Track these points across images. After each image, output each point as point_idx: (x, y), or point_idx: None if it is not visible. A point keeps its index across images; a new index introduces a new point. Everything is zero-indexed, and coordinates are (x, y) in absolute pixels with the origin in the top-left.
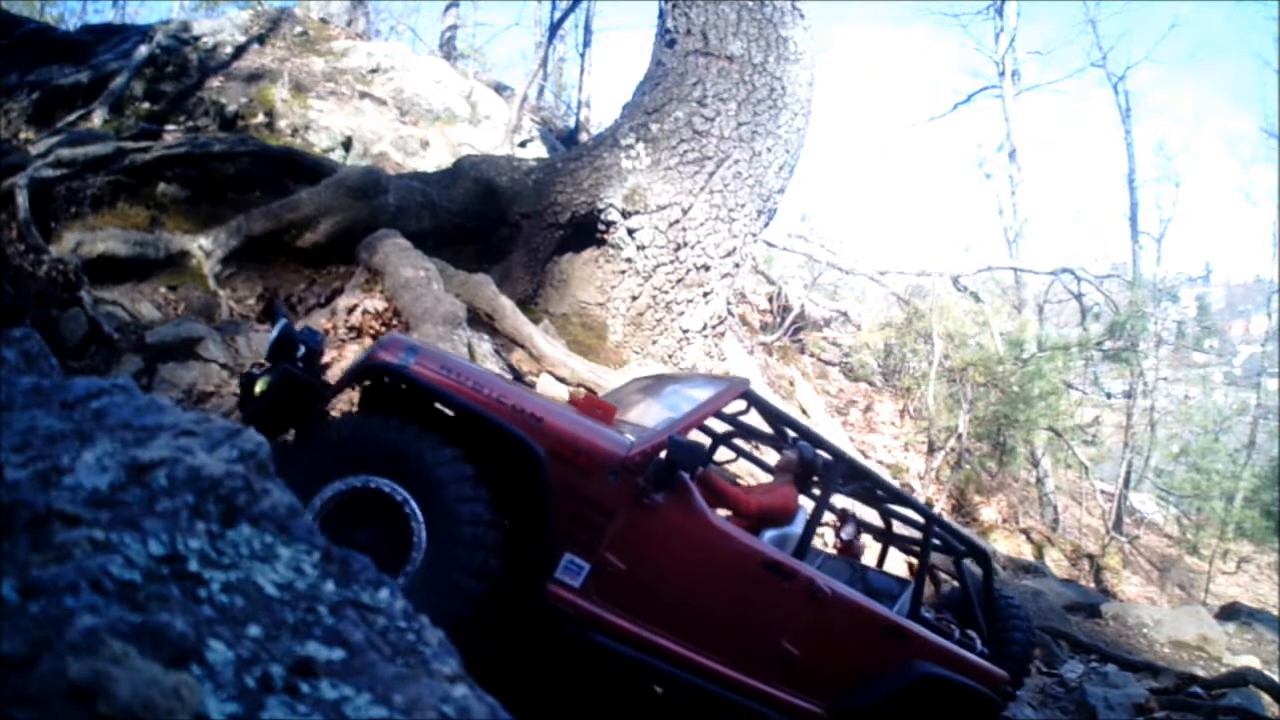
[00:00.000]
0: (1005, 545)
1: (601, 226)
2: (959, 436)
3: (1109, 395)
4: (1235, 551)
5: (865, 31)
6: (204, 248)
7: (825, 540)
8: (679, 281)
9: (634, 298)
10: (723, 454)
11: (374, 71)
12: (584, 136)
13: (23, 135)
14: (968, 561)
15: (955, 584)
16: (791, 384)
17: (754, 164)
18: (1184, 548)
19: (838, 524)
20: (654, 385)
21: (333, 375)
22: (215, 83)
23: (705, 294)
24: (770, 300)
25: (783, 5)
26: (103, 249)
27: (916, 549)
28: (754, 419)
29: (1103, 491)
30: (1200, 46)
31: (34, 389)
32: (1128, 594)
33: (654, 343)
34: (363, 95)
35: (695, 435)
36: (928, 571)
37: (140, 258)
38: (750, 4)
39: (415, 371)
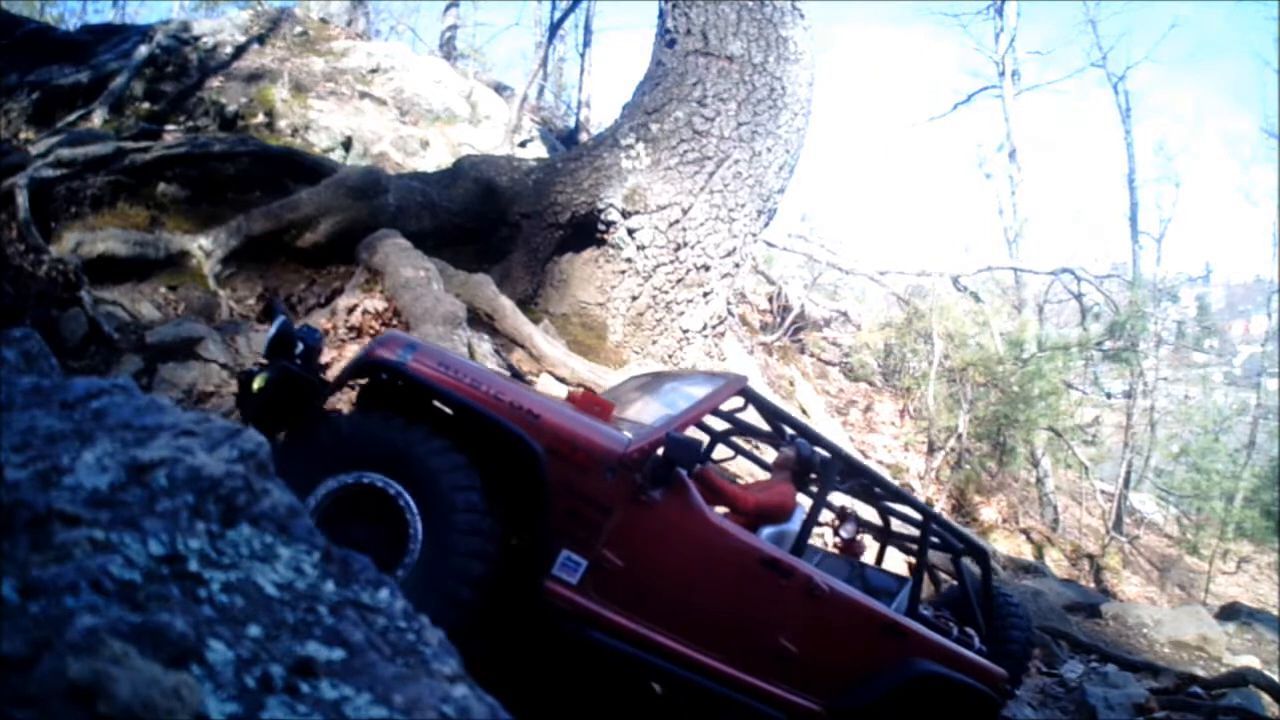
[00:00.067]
0: (1005, 545)
1: (601, 226)
2: (959, 436)
3: (1109, 395)
4: (1235, 551)
5: (865, 31)
6: (204, 248)
7: (825, 540)
8: (679, 281)
9: (634, 298)
10: (721, 451)
11: (374, 71)
12: (584, 136)
13: (23, 135)
14: (966, 560)
15: (954, 582)
16: (791, 384)
17: (754, 164)
18: (1184, 548)
19: (837, 522)
20: (652, 382)
21: (332, 375)
22: (215, 83)
23: (705, 294)
24: (770, 300)
25: (783, 5)
26: (103, 249)
27: (914, 547)
28: (752, 416)
29: (1103, 491)
30: (1200, 46)
31: (34, 389)
32: (1128, 594)
33: (654, 343)
34: (363, 95)
35: (693, 432)
36: (926, 569)
37: (140, 258)
38: (750, 4)
39: (413, 368)
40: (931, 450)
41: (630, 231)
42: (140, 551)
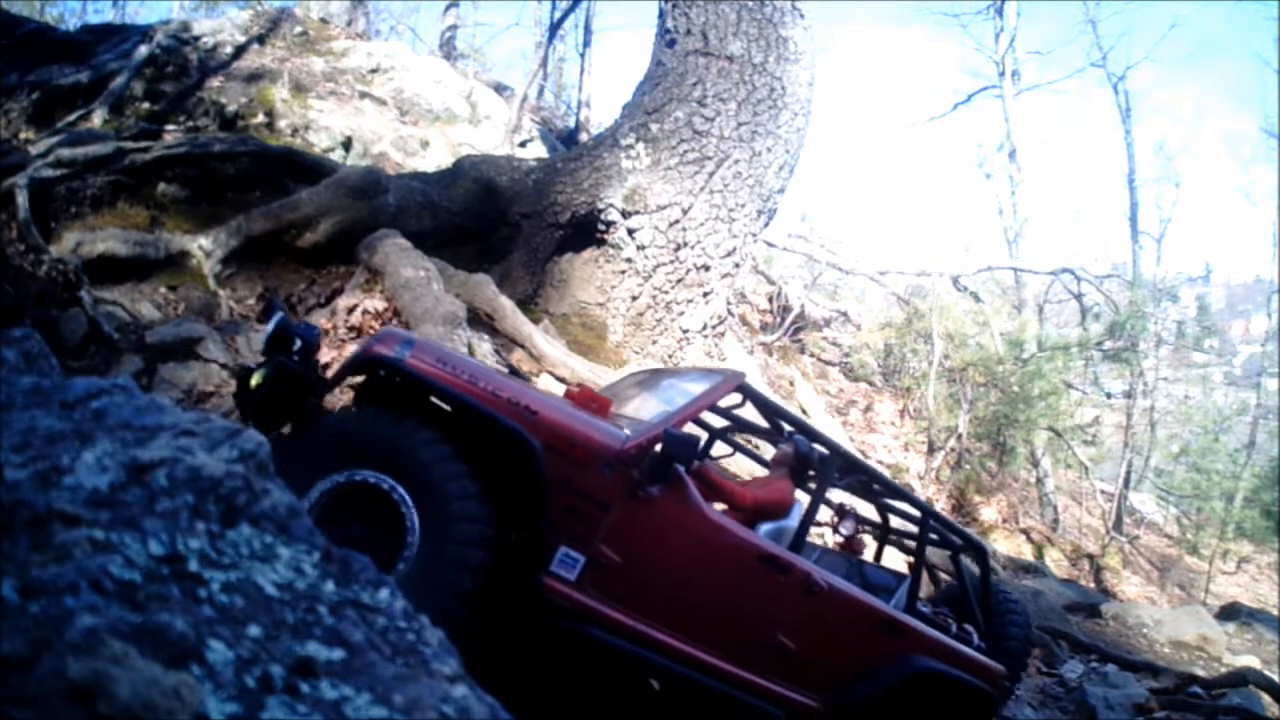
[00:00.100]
0: (1005, 545)
1: (601, 226)
2: (959, 436)
3: (1109, 395)
4: (1235, 551)
5: (865, 31)
6: (204, 248)
7: (825, 539)
8: (679, 281)
9: (634, 298)
10: (720, 448)
11: (374, 71)
12: (584, 136)
13: (23, 135)
14: (965, 557)
15: (953, 580)
16: (791, 384)
17: (754, 164)
18: (1184, 548)
19: (836, 519)
20: (650, 379)
21: (331, 374)
22: (215, 83)
23: (705, 294)
24: (770, 300)
25: (783, 5)
26: (103, 249)
27: (913, 544)
28: (750, 413)
29: (1103, 491)
30: (1200, 46)
31: (34, 389)
32: (1128, 594)
33: (654, 343)
34: (363, 95)
35: (691, 429)
36: (925, 566)
37: (140, 258)
38: (750, 4)
39: (410, 364)
40: (931, 450)
41: (630, 231)
42: (140, 551)
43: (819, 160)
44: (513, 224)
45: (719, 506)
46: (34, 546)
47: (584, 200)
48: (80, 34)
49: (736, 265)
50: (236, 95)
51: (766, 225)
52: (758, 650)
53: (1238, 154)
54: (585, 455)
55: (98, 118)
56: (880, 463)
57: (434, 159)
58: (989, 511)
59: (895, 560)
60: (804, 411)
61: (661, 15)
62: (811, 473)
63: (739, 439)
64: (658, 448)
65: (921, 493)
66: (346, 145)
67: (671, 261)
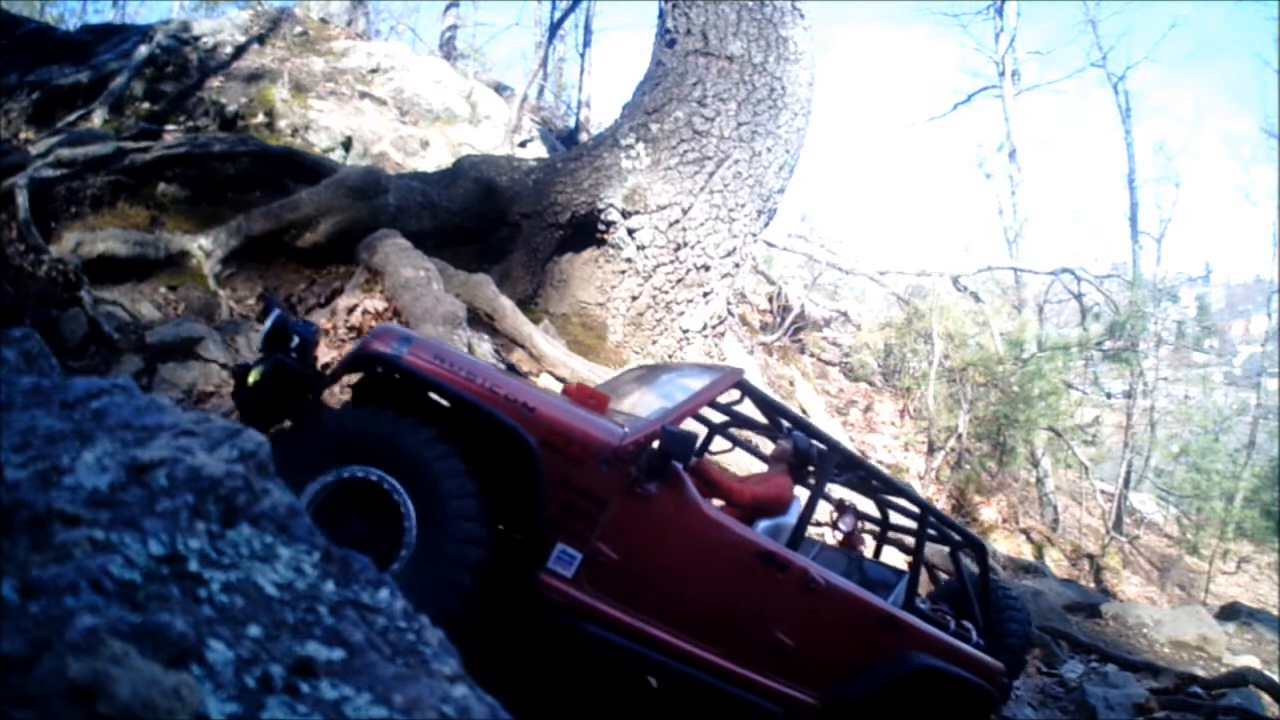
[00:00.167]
0: (1005, 545)
1: (601, 226)
2: (959, 436)
3: (1109, 395)
4: (1235, 551)
5: (865, 31)
6: (204, 248)
7: (824, 536)
8: (679, 281)
9: (634, 298)
10: (718, 444)
11: (374, 71)
12: (584, 136)
13: (23, 135)
14: (964, 554)
15: (952, 576)
16: (791, 384)
17: (754, 164)
18: (1184, 548)
19: (835, 515)
20: (648, 375)
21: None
22: (215, 83)
23: (705, 294)
24: (770, 300)
25: (783, 5)
26: (103, 249)
27: (912, 540)
28: (749, 409)
29: (1103, 491)
30: (1200, 46)
31: (34, 389)
32: (1128, 594)
33: (654, 343)
34: (363, 95)
35: (689, 425)
36: (924, 563)
37: (140, 258)
38: (750, 4)
39: (408, 361)
40: (931, 450)
41: (630, 231)
42: (140, 551)
43: (819, 160)
44: (513, 224)
45: (717, 503)
46: (34, 546)
47: (584, 200)
48: (80, 34)
49: (736, 265)
50: (236, 95)
51: (766, 225)
52: (755, 647)
53: (1238, 154)
54: (583, 452)
55: (98, 118)
56: (880, 463)
57: (434, 159)
58: (989, 511)
59: (894, 557)
60: (804, 411)
61: (661, 15)
62: (810, 469)
63: (737, 434)
64: (655, 444)
65: (922, 493)
66: (346, 145)
67: (671, 261)
